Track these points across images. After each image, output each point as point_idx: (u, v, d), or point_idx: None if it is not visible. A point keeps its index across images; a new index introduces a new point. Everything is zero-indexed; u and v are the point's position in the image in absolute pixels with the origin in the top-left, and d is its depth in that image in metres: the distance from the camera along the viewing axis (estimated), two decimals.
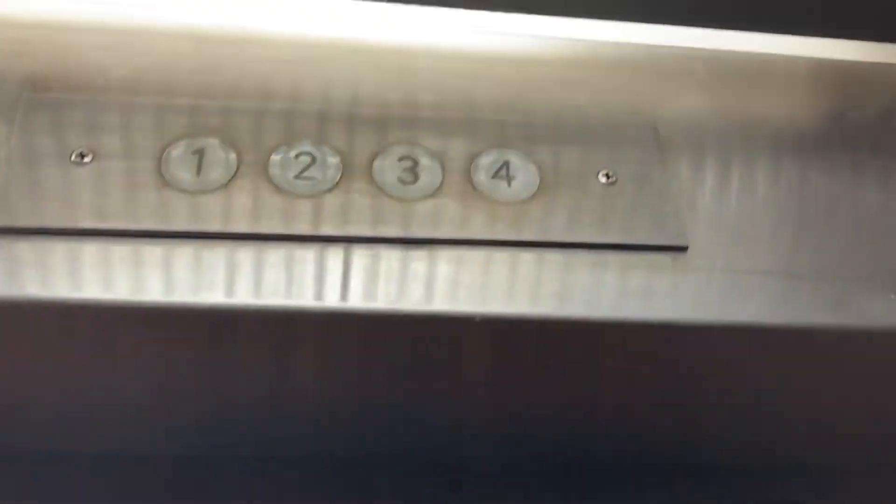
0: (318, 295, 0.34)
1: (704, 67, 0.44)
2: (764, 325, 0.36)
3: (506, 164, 0.38)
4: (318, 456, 0.42)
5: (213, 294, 0.33)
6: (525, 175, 0.38)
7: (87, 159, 0.35)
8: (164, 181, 0.35)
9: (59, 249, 0.34)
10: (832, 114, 0.44)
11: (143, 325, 0.34)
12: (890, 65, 0.47)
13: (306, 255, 0.35)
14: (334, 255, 0.35)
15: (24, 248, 0.33)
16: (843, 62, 0.46)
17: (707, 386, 0.38)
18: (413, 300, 0.34)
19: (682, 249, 0.37)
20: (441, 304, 0.34)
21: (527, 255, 0.36)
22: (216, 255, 0.34)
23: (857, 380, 0.38)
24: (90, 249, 0.34)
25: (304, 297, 0.34)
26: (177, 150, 0.36)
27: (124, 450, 0.43)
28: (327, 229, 0.35)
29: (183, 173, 0.35)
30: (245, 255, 0.34)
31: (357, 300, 0.34)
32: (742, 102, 0.43)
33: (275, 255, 0.34)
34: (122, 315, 0.33)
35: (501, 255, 0.36)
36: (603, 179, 0.38)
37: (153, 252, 0.34)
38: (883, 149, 0.42)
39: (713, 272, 0.36)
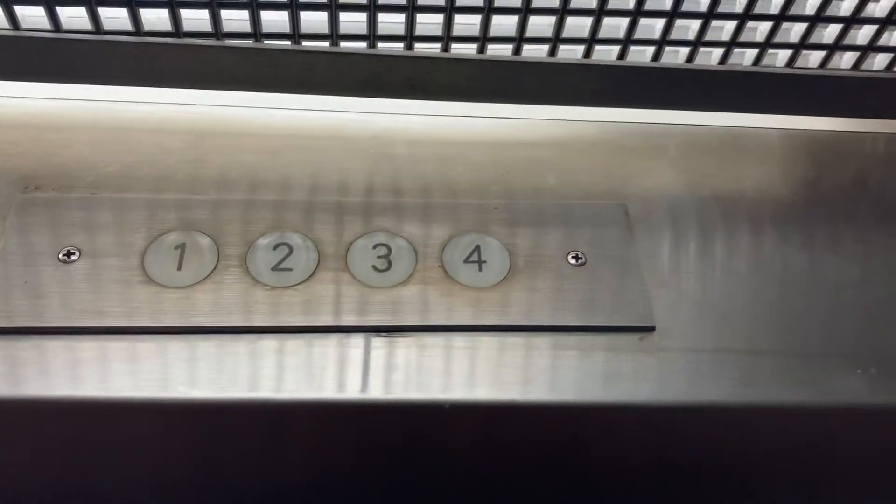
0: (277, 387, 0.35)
1: (675, 143, 0.46)
2: (728, 404, 0.36)
3: (477, 249, 0.39)
4: None
5: (202, 390, 0.34)
6: (496, 259, 0.39)
7: (74, 257, 0.37)
8: (147, 277, 0.37)
9: (43, 347, 0.35)
10: (804, 185, 0.45)
11: (115, 422, 0.36)
12: (860, 133, 0.48)
13: (290, 347, 0.36)
14: (320, 346, 0.36)
15: (10, 347, 0.35)
16: (814, 132, 0.47)
17: (675, 461, 0.39)
18: (377, 388, 0.35)
19: (650, 329, 0.38)
20: (406, 392, 0.35)
21: (493, 341, 0.37)
22: (189, 350, 0.35)
23: (824, 455, 0.39)
24: (86, 346, 0.35)
25: (300, 390, 0.35)
26: (158, 246, 0.38)
27: None
28: (298, 320, 0.36)
29: (163, 269, 0.37)
30: (229, 347, 0.36)
31: (337, 391, 0.35)
32: (712, 177, 0.44)
33: (257, 347, 0.36)
34: (93, 413, 0.35)
35: (474, 340, 0.37)
36: (572, 261, 0.39)
37: (140, 347, 0.35)
38: (852, 221, 0.43)
39: (678, 352, 0.37)
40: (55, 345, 0.35)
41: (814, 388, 0.37)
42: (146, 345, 0.36)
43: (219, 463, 0.41)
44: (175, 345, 0.36)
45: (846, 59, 0.43)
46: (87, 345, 0.36)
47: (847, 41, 0.42)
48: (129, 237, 0.38)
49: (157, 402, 0.35)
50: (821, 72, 0.43)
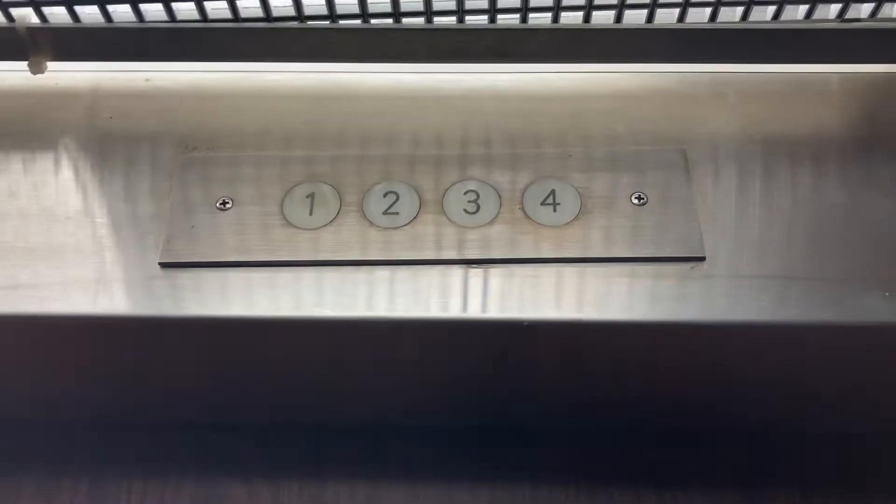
0: (415, 308, 0.44)
1: (735, 91, 0.51)
2: (766, 323, 0.43)
3: (552, 192, 0.47)
4: (413, 427, 0.54)
5: (330, 310, 0.44)
6: (569, 201, 0.46)
7: (228, 206, 0.46)
8: (286, 221, 0.46)
9: (209, 278, 0.45)
10: (850, 127, 0.50)
11: (263, 337, 0.45)
12: None
13: (399, 276, 0.44)
14: (425, 276, 0.44)
15: (177, 278, 0.45)
16: (874, 74, 0.51)
17: (716, 374, 0.46)
18: (474, 309, 0.43)
19: (701, 259, 0.44)
20: (498, 312, 0.43)
21: (569, 270, 0.45)
22: (323, 278, 0.44)
23: (851, 368, 0.45)
24: (234, 277, 0.45)
25: (409, 310, 0.44)
26: (293, 195, 0.47)
27: (260, 420, 0.56)
28: (406, 255, 0.45)
29: (298, 214, 0.46)
30: (345, 277, 0.44)
31: (441, 311, 0.44)
32: (766, 121, 0.49)
33: (373, 276, 0.44)
34: (247, 329, 0.45)
35: (548, 269, 0.45)
36: (635, 201, 0.46)
37: (280, 277, 0.45)
38: (890, 160, 0.48)
39: (725, 278, 0.44)
40: (211, 276, 0.45)
41: (840, 308, 0.43)
42: (285, 275, 0.45)
43: (340, 372, 0.51)
44: (308, 275, 0.45)
45: None
46: (237, 275, 0.45)
47: None
48: (269, 188, 0.47)
49: (293, 319, 0.44)
50: (871, 24, 0.46)
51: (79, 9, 0.47)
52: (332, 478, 0.55)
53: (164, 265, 0.45)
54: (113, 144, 0.50)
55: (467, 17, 0.47)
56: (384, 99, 0.51)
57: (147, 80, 0.52)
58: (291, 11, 0.46)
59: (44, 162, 0.49)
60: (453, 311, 0.44)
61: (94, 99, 0.52)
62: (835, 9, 0.47)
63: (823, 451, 0.51)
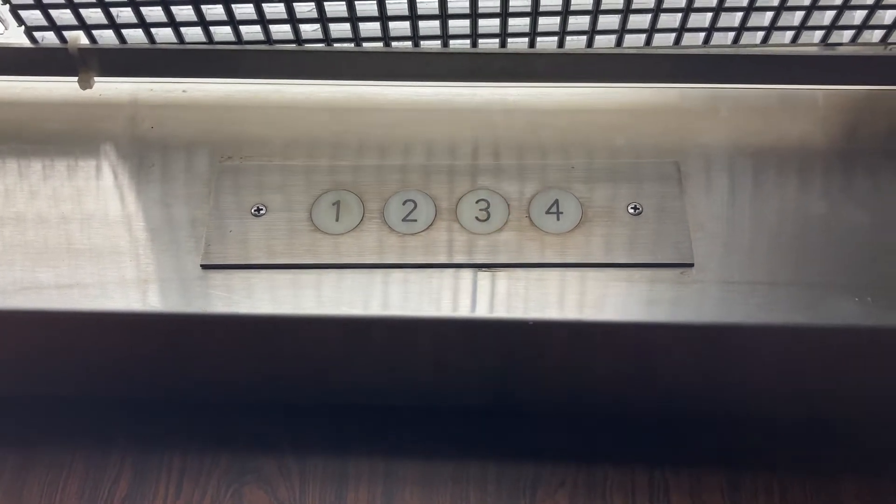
0: (435, 308, 0.49)
1: (726, 106, 0.55)
2: (752, 324, 0.47)
3: (556, 202, 0.51)
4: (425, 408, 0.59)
5: (351, 308, 0.49)
6: (571, 210, 0.51)
7: (262, 212, 0.51)
8: (315, 227, 0.51)
9: (250, 278, 0.50)
10: (833, 140, 0.54)
11: (300, 332, 0.50)
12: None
13: (418, 279, 0.49)
14: (438, 278, 0.49)
15: (218, 278, 0.50)
16: (856, 91, 0.55)
17: (705, 369, 0.51)
18: (483, 309, 0.48)
19: (689, 266, 0.49)
20: (506, 312, 0.48)
21: (571, 274, 0.49)
22: (350, 280, 0.49)
23: (827, 365, 0.50)
24: (260, 277, 0.49)
25: (421, 310, 0.48)
26: (320, 203, 0.51)
27: (297, 400, 0.61)
28: (423, 259, 0.49)
29: (326, 221, 0.51)
30: (371, 279, 0.49)
31: (451, 311, 0.49)
32: (754, 134, 0.54)
33: (393, 279, 0.49)
34: (284, 325, 0.50)
35: (551, 273, 0.49)
36: (631, 211, 0.51)
37: (322, 278, 0.49)
38: (869, 173, 0.52)
39: (711, 283, 0.48)
40: (251, 276, 0.50)
41: (817, 312, 0.47)
42: (307, 277, 0.49)
43: (356, 364, 0.56)
44: (328, 277, 0.50)
45: (875, 36, 0.51)
46: (278, 276, 0.50)
47: (874, 21, 0.50)
48: (298, 196, 0.52)
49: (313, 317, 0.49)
50: (852, 49, 0.51)
51: (124, 30, 0.51)
52: (354, 454, 0.60)
53: (205, 267, 0.50)
54: (152, 152, 0.54)
55: (480, 41, 0.51)
56: (401, 111, 0.55)
57: (184, 91, 0.56)
58: (320, 35, 0.51)
59: (87, 169, 0.54)
60: (462, 311, 0.49)
61: (135, 109, 0.56)
62: (819, 34, 0.51)
63: (799, 438, 0.57)
